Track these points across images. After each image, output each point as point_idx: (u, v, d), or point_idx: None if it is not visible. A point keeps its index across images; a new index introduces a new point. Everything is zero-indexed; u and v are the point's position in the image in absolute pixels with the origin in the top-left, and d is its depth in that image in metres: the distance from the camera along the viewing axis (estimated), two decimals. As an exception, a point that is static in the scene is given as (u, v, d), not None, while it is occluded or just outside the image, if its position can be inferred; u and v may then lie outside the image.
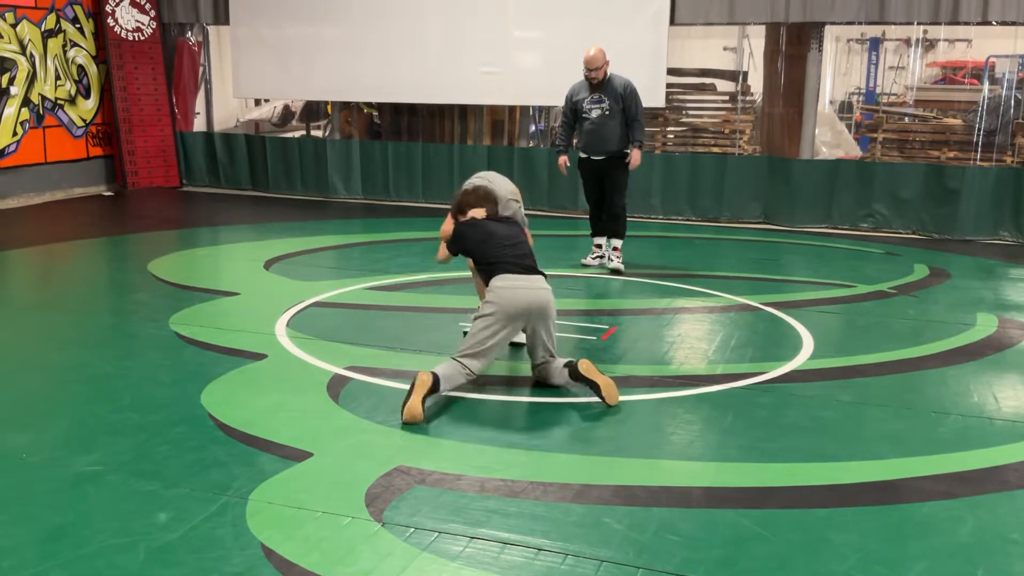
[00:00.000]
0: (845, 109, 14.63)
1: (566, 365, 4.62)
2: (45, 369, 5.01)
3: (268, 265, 7.61)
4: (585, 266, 7.71)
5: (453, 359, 4.54)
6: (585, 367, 4.53)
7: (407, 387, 4.61)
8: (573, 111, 7.52)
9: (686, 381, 4.85)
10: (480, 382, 4.75)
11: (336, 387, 4.64)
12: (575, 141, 7.67)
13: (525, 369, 4.99)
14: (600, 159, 7.45)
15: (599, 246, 7.76)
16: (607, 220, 7.62)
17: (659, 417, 4.40)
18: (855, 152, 11.40)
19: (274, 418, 4.22)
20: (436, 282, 7.07)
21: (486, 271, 4.75)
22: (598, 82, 7.38)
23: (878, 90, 15.94)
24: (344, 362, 5.01)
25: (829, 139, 11.47)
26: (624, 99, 7.39)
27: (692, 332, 5.88)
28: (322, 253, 8.28)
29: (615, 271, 7.50)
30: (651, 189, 10.42)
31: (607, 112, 7.35)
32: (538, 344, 4.67)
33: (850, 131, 12.35)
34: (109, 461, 3.73)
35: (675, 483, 3.65)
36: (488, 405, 4.49)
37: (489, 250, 4.77)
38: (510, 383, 4.81)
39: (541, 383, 4.73)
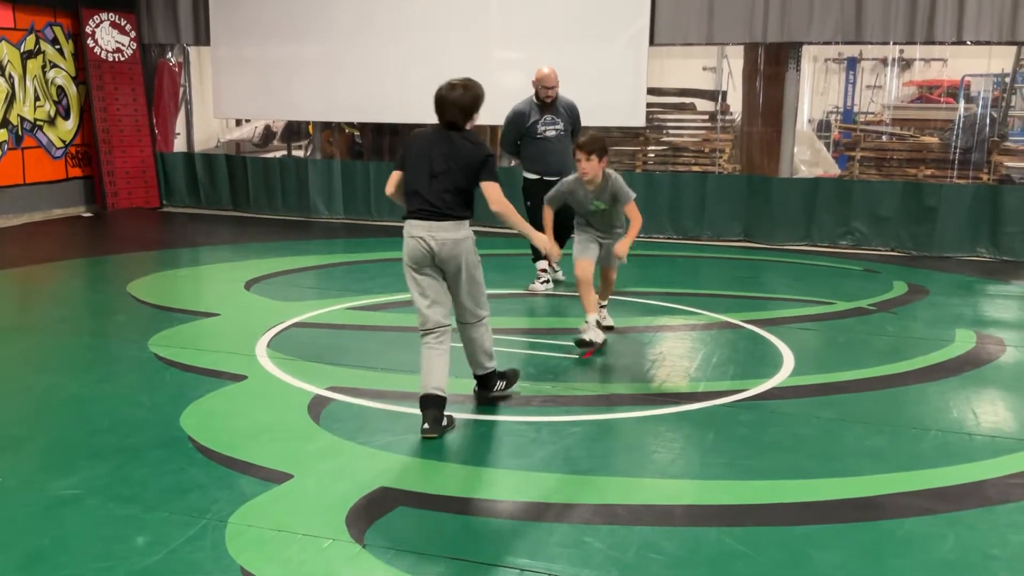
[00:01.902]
0: (823, 128, 14.79)
1: (486, 377, 4.69)
2: (23, 391, 4.96)
3: (249, 285, 7.58)
4: (535, 293, 7.45)
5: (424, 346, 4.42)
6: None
7: (389, 407, 4.61)
8: (522, 134, 7.44)
9: (668, 399, 4.86)
10: (459, 401, 4.75)
11: (317, 408, 4.62)
12: (515, 162, 7.67)
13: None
14: (554, 179, 7.41)
15: (544, 270, 7.59)
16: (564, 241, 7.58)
17: (641, 435, 4.40)
18: (834, 170, 11.51)
19: (254, 440, 4.19)
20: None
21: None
22: (549, 102, 7.39)
23: (856, 109, 16.14)
24: (325, 383, 4.99)
25: (808, 158, 11.57)
26: (571, 118, 7.50)
27: (674, 350, 5.89)
28: (303, 273, 8.25)
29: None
30: (632, 208, 10.45)
31: (562, 132, 7.40)
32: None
33: (828, 150, 12.47)
34: (87, 485, 3.69)
35: (657, 501, 3.65)
36: (469, 425, 4.47)
37: (410, 176, 4.35)
38: (491, 402, 4.80)
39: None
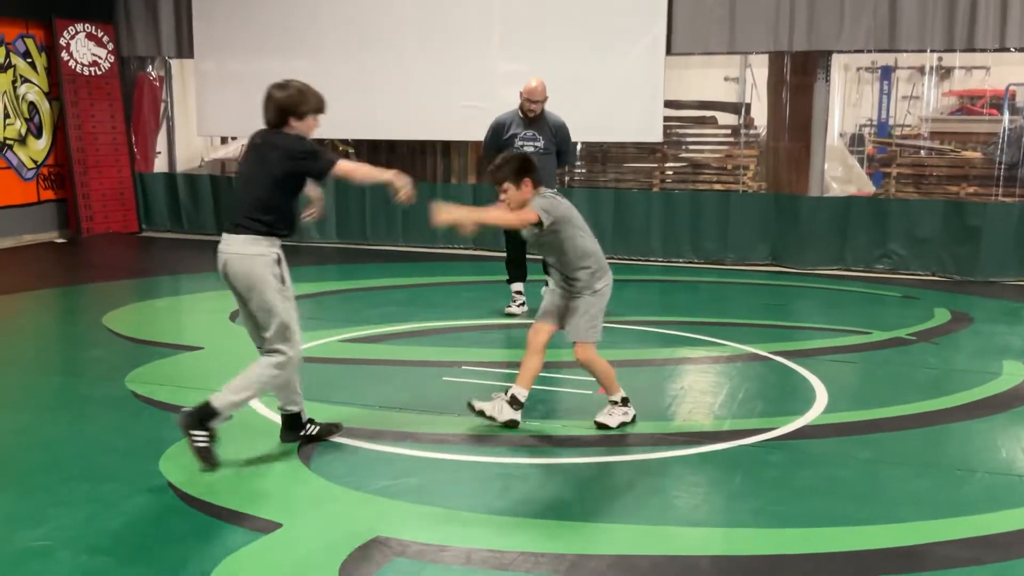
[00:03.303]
0: (856, 142, 14.81)
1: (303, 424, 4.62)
2: (-11, 434, 4.97)
3: (235, 317, 7.58)
4: (511, 315, 7.63)
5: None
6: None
7: (385, 449, 4.60)
8: (499, 147, 7.50)
9: (690, 438, 4.84)
10: (463, 441, 4.73)
11: (308, 450, 4.61)
12: None
13: (517, 428, 4.97)
14: None
15: (521, 292, 7.76)
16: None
17: (661, 478, 4.37)
18: (868, 188, 11.52)
19: (240, 485, 4.18)
20: (417, 333, 7.07)
21: None
22: (534, 116, 7.48)
23: (891, 122, 16.13)
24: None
25: (840, 175, 11.59)
26: (557, 138, 7.58)
27: (696, 384, 5.88)
28: (293, 303, 8.27)
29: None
30: (650, 229, 10.48)
31: (541, 150, 7.46)
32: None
33: (862, 166, 12.48)
34: (57, 535, 3.68)
35: (680, 552, 3.63)
36: (474, 468, 4.46)
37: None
38: (498, 443, 4.79)
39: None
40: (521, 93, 7.50)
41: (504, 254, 7.89)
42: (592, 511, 3.99)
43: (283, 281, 4.28)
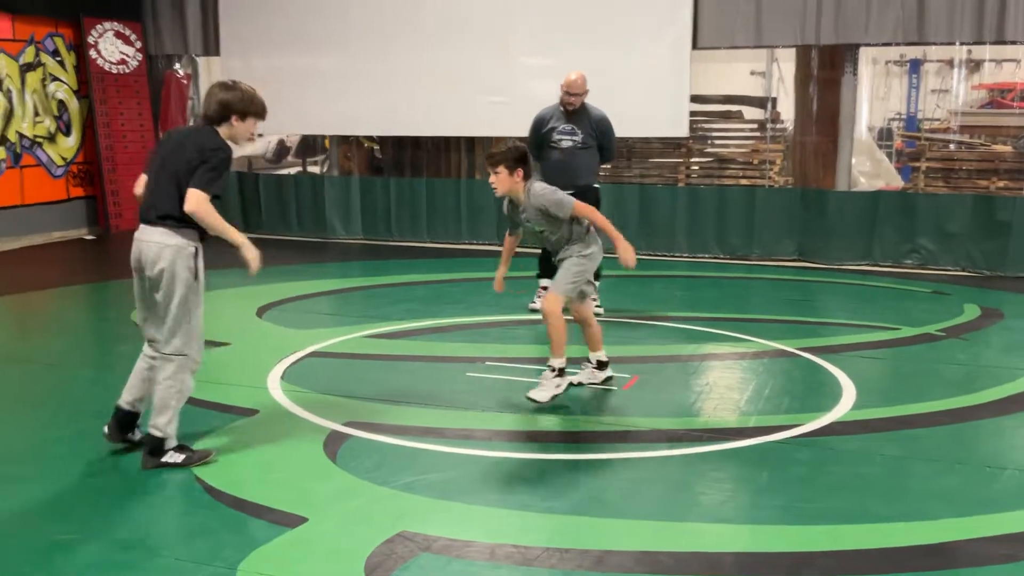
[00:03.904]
0: (884, 136, 14.69)
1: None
2: (18, 427, 5.01)
3: (261, 312, 7.63)
4: (536, 311, 7.52)
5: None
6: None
7: (411, 444, 4.60)
8: (540, 141, 7.48)
9: (715, 435, 4.82)
10: (488, 437, 4.73)
11: (334, 445, 4.63)
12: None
13: (542, 423, 4.97)
14: None
15: (546, 288, 7.67)
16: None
17: (686, 475, 4.35)
18: (896, 183, 11.42)
19: (266, 480, 4.20)
20: (441, 329, 7.07)
21: None
22: (573, 110, 7.43)
23: (920, 115, 16.01)
24: (343, 418, 5.00)
25: (868, 169, 11.50)
26: (597, 132, 7.47)
27: (722, 381, 5.85)
28: (319, 298, 8.30)
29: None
30: (675, 225, 10.43)
31: (580, 144, 7.38)
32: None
33: (890, 160, 12.38)
34: (85, 528, 3.71)
35: (705, 548, 3.61)
36: (498, 464, 4.45)
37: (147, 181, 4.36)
38: (523, 439, 4.78)
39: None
40: (561, 86, 7.45)
41: (536, 250, 7.86)
42: (617, 507, 3.97)
43: (197, 277, 4.28)
